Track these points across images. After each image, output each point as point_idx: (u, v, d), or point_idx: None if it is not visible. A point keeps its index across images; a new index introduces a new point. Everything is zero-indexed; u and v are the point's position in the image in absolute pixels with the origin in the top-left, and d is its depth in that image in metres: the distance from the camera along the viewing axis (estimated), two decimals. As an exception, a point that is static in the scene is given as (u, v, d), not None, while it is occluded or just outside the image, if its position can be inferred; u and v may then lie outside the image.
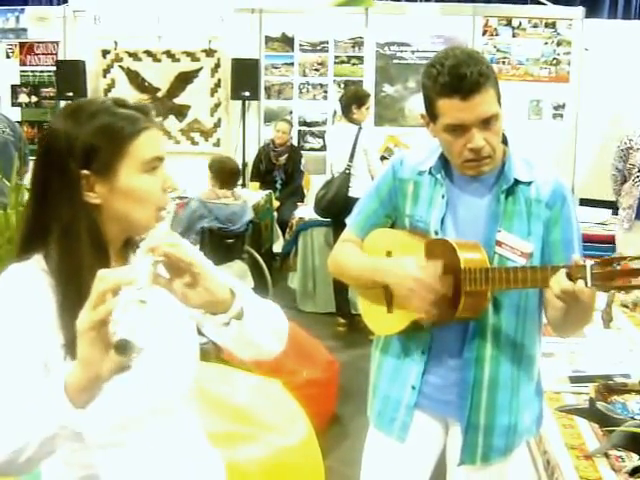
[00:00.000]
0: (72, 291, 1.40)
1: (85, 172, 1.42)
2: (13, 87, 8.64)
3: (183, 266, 1.33)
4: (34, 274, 1.44)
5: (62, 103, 8.50)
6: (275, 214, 7.56)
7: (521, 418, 2.11)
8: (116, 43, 8.33)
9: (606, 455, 2.09)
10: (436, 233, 2.05)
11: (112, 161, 1.44)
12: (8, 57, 8.59)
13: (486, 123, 1.90)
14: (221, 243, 5.91)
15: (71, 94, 8.20)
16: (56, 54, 8.48)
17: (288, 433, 3.10)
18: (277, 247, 7.47)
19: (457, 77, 1.86)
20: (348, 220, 2.32)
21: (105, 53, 8.43)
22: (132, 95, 8.46)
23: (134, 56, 8.41)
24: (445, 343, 2.09)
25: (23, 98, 8.67)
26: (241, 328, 1.43)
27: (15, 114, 8.46)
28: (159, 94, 8.48)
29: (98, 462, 1.48)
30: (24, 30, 8.53)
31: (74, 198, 1.44)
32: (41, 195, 1.47)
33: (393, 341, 2.19)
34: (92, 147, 1.43)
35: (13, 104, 8.62)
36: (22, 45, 8.56)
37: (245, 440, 2.96)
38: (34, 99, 8.66)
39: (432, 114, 1.97)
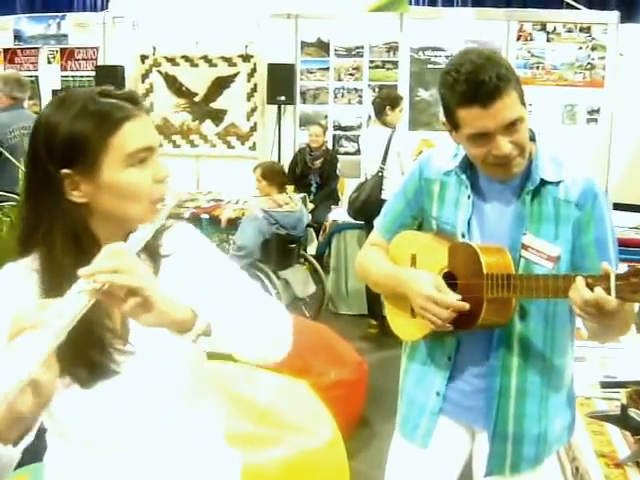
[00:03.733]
0: (52, 296, 1.30)
1: (66, 171, 1.35)
2: (54, 92, 8.77)
3: (132, 290, 1.23)
4: (25, 274, 1.41)
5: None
6: (310, 217, 7.61)
7: (551, 427, 2.03)
8: (154, 48, 8.45)
9: (637, 464, 2.03)
10: (463, 236, 1.98)
11: (93, 157, 1.36)
12: (50, 62, 8.76)
13: (510, 127, 1.80)
14: (284, 248, 6.02)
15: (109, 98, 8.34)
16: (96, 59, 8.64)
17: (312, 435, 3.10)
18: (311, 249, 7.52)
19: (475, 84, 1.75)
20: (375, 222, 2.26)
21: (144, 58, 8.56)
22: (170, 100, 8.59)
23: (172, 61, 8.53)
24: (471, 350, 2.03)
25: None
26: (213, 342, 1.37)
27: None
28: (196, 99, 8.57)
29: (96, 464, 1.47)
30: (65, 36, 8.70)
31: (56, 198, 1.37)
32: (28, 194, 1.43)
33: (419, 346, 2.14)
34: (71, 143, 1.35)
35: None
36: (63, 51, 8.73)
37: (268, 442, 2.97)
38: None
39: (453, 123, 1.87)
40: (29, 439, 1.23)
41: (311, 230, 7.58)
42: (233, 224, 6.38)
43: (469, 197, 1.99)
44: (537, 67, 7.92)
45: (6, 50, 8.84)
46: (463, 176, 2.00)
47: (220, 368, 3.28)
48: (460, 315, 1.89)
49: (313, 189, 7.92)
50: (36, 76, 8.71)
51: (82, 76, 8.70)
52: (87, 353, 1.37)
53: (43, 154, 1.37)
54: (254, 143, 8.58)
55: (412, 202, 2.13)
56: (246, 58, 8.35)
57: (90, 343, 1.36)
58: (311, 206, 7.66)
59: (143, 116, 1.41)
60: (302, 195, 7.38)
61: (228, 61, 8.42)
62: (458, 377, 2.05)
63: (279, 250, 6.00)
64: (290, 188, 7.73)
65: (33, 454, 1.40)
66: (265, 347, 1.52)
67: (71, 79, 8.76)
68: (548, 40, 7.92)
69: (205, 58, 8.46)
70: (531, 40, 7.95)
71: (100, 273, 1.20)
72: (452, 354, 2.05)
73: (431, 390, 2.09)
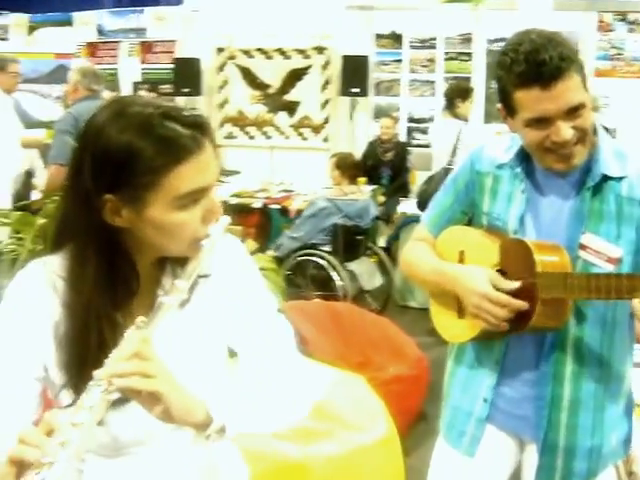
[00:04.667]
0: (72, 315, 1.31)
1: (110, 197, 1.25)
2: (135, 84, 8.99)
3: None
4: (50, 279, 1.35)
5: (179, 99, 8.81)
6: (380, 209, 7.59)
7: (607, 440, 1.89)
8: (230, 41, 8.53)
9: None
10: (515, 233, 1.85)
11: (141, 191, 1.25)
12: (129, 56, 8.96)
13: (572, 112, 1.66)
14: (350, 240, 6.05)
15: (187, 90, 8.49)
16: (174, 52, 8.78)
17: (367, 430, 3.07)
18: (381, 242, 7.50)
19: (535, 64, 1.61)
20: (422, 216, 2.15)
21: (220, 51, 8.66)
22: (245, 92, 8.68)
23: (247, 53, 8.61)
24: (521, 354, 1.90)
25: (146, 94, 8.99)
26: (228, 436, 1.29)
27: (136, 110, 8.81)
28: (270, 90, 8.64)
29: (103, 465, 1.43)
30: (144, 30, 8.88)
31: (94, 217, 1.28)
32: (65, 203, 1.35)
33: (467, 349, 2.02)
34: (120, 167, 1.24)
35: (133, 101, 8.93)
36: (142, 44, 8.92)
37: (320, 436, 2.94)
38: (153, 95, 8.94)
39: (510, 108, 1.73)
40: None
41: (381, 222, 7.57)
42: (301, 215, 6.43)
43: (523, 192, 1.86)
44: (617, 59, 7.67)
45: (89, 44, 9.06)
46: (518, 169, 1.87)
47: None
48: (510, 320, 1.78)
49: (384, 181, 7.88)
50: (116, 69, 8.92)
51: (160, 69, 8.87)
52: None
53: (88, 170, 1.26)
54: (327, 135, 8.59)
55: (462, 196, 2.01)
56: (320, 50, 8.37)
57: (98, 363, 1.26)
58: (382, 199, 7.64)
59: (205, 150, 1.28)
60: (373, 187, 7.38)
61: (302, 53, 8.45)
62: (506, 383, 1.94)
63: (346, 242, 6.02)
64: (362, 180, 7.77)
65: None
66: (295, 412, 1.45)
67: (150, 72, 8.94)
68: (629, 31, 7.67)
69: (280, 50, 8.51)
70: (611, 31, 7.71)
71: (117, 376, 1.15)
72: (500, 358, 1.93)
73: (478, 396, 1.98)
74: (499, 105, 1.80)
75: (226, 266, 1.45)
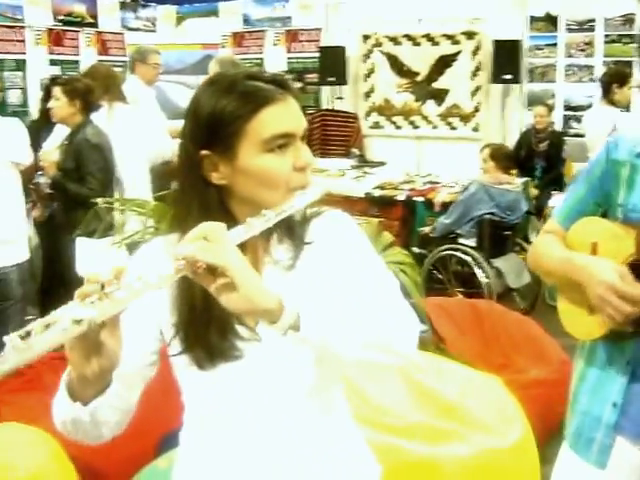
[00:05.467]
0: (182, 278, 1.31)
1: (205, 152, 1.36)
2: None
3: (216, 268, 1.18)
4: (167, 250, 1.39)
5: (324, 88, 8.77)
6: (532, 203, 7.24)
7: None
8: (376, 28, 8.37)
9: None
10: None
11: (230, 140, 1.35)
12: (275, 45, 8.98)
13: None
14: (497, 235, 5.83)
15: (333, 79, 8.43)
16: (319, 40, 8.72)
17: (500, 434, 2.91)
18: (533, 237, 7.16)
19: None
20: (554, 209, 2.05)
21: (366, 38, 8.52)
22: (392, 80, 8.51)
23: (394, 40, 8.41)
24: None
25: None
26: (305, 337, 1.25)
27: (281, 99, 8.86)
28: (418, 78, 8.41)
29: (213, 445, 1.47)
30: (289, 18, 8.87)
31: (196, 178, 1.38)
32: (178, 173, 1.45)
33: (598, 348, 1.87)
34: (211, 123, 1.35)
35: (279, 90, 8.98)
36: (288, 33, 8.92)
37: (450, 437, 2.83)
38: (298, 85, 8.94)
39: None
40: (100, 401, 1.28)
41: (533, 217, 7.23)
42: (446, 208, 6.23)
43: None
44: None
45: (235, 34, 9.16)
46: None
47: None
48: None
49: (538, 173, 7.51)
50: (262, 58, 8.97)
51: (306, 57, 8.84)
52: (207, 336, 1.36)
53: (187, 133, 1.40)
54: (477, 124, 8.27)
55: (596, 187, 1.89)
56: (470, 35, 8.05)
57: (211, 326, 1.36)
58: (534, 192, 7.27)
59: (288, 100, 1.38)
60: (525, 179, 7.04)
61: (451, 39, 8.16)
62: (639, 389, 1.78)
63: (492, 237, 5.78)
64: (514, 172, 7.46)
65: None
66: (373, 350, 1.36)
67: (295, 61, 8.94)
68: None
69: (428, 36, 8.26)
70: None
71: (185, 248, 1.18)
72: (631, 358, 1.78)
73: (607, 400, 1.83)
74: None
75: (332, 233, 1.48)
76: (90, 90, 4.71)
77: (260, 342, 1.37)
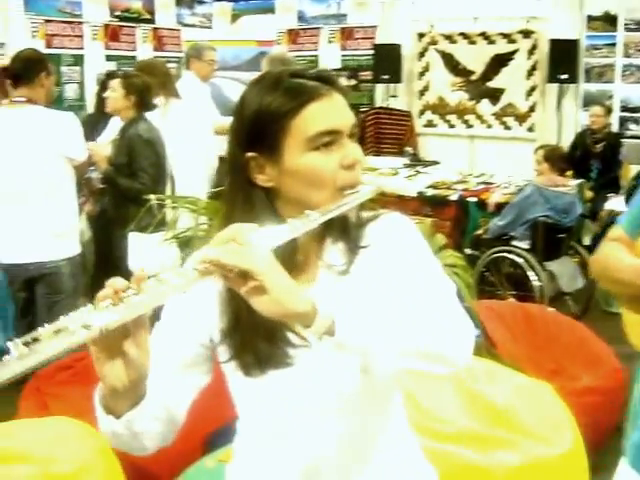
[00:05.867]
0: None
1: (251, 154, 1.32)
2: (334, 71, 8.96)
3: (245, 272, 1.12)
4: None
5: (379, 86, 8.71)
6: (586, 206, 7.10)
7: None
8: (432, 26, 8.31)
9: None
10: None
11: (275, 139, 1.30)
12: (330, 42, 8.95)
13: None
14: (552, 237, 5.73)
15: (387, 77, 8.38)
16: (374, 38, 8.66)
17: (550, 442, 2.84)
18: (587, 240, 7.02)
19: None
20: (620, 217, 1.95)
21: (421, 36, 8.45)
22: (446, 78, 8.43)
23: (449, 39, 8.34)
24: None
25: (343, 82, 8.94)
26: (340, 345, 1.17)
27: (335, 96, 8.83)
28: (473, 77, 8.32)
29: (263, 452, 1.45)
30: (344, 16, 8.84)
31: (242, 181, 1.34)
32: (227, 176, 1.41)
33: None
34: (256, 123, 1.31)
35: (333, 87, 8.95)
36: (343, 30, 8.88)
37: (500, 445, 2.76)
38: (352, 82, 8.90)
39: None
40: (135, 414, 1.23)
41: (588, 221, 7.09)
42: (500, 209, 6.14)
43: None
44: None
45: (289, 31, 9.16)
46: None
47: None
48: None
49: (593, 175, 7.36)
50: (316, 55, 8.95)
51: (360, 55, 8.80)
52: (255, 342, 1.32)
53: (233, 134, 1.37)
54: (532, 124, 8.16)
55: None
56: (526, 34, 7.93)
57: (259, 332, 1.31)
58: (589, 194, 7.14)
59: (333, 96, 1.33)
60: (580, 181, 6.91)
61: (507, 37, 8.05)
62: None
63: (546, 240, 5.68)
64: (569, 174, 7.33)
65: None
66: (421, 358, 1.28)
67: (349, 58, 8.90)
68: None
69: (483, 35, 8.17)
70: None
71: (211, 251, 1.12)
72: None
73: None
74: None
75: (390, 237, 1.41)
76: (147, 88, 4.74)
77: (310, 348, 1.29)
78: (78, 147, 4.18)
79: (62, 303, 4.22)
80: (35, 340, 0.97)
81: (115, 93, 4.69)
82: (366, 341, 1.19)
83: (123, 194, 4.61)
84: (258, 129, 1.32)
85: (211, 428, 2.89)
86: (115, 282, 1.08)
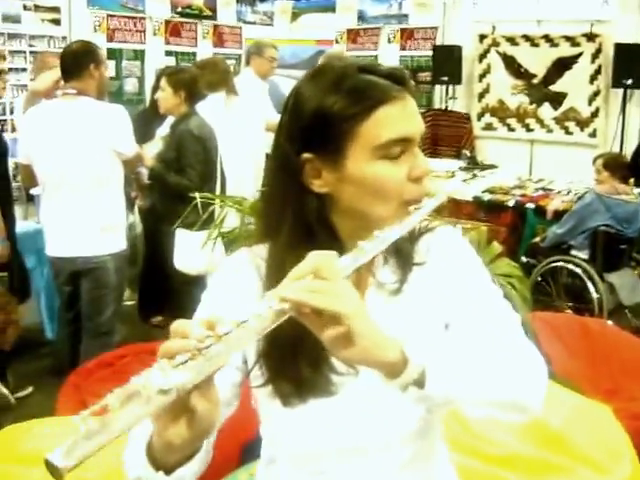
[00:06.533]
0: None
1: (307, 155, 1.20)
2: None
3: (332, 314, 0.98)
4: (254, 262, 1.29)
5: (437, 88, 8.56)
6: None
7: None
8: (494, 27, 8.10)
9: None
10: None
11: (338, 142, 1.18)
12: (389, 42, 8.81)
13: None
14: (612, 248, 5.56)
15: (445, 79, 8.22)
16: (434, 39, 8.50)
17: (607, 470, 2.69)
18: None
19: None
20: None
21: (482, 38, 8.24)
22: (507, 81, 8.24)
23: (511, 41, 8.10)
24: None
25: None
26: (429, 395, 1.07)
27: (393, 98, 8.71)
28: (534, 80, 8.09)
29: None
30: (405, 16, 8.67)
31: (293, 184, 1.21)
32: (269, 175, 1.31)
33: None
34: (315, 123, 1.19)
35: (392, 89, 8.83)
36: (403, 30, 8.72)
37: (552, 470, 2.64)
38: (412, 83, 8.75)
39: None
40: (185, 471, 1.05)
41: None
42: (559, 217, 5.96)
43: None
44: None
45: (349, 30, 9.03)
46: None
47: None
48: None
49: (658, 184, 7.12)
50: (376, 56, 8.83)
51: (420, 56, 8.64)
52: (296, 367, 1.20)
53: (286, 131, 1.24)
54: (594, 130, 7.88)
55: None
56: (591, 37, 7.66)
57: (301, 356, 1.19)
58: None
59: (406, 100, 1.21)
60: (641, 190, 6.71)
61: (571, 41, 7.78)
62: None
63: (606, 249, 5.50)
64: (631, 182, 7.11)
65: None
66: (499, 408, 1.19)
67: (409, 59, 8.74)
68: None
69: (546, 37, 7.91)
70: None
71: (293, 290, 0.97)
72: None
73: None
74: None
75: (445, 254, 1.32)
76: (195, 80, 4.70)
77: (357, 377, 1.21)
78: (126, 141, 4.14)
79: (106, 298, 4.22)
80: (104, 409, 0.83)
81: (164, 92, 4.66)
82: (450, 394, 1.09)
83: (170, 190, 4.57)
84: (318, 130, 1.19)
85: (249, 438, 2.79)
86: (186, 329, 0.92)
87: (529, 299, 3.51)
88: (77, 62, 4.02)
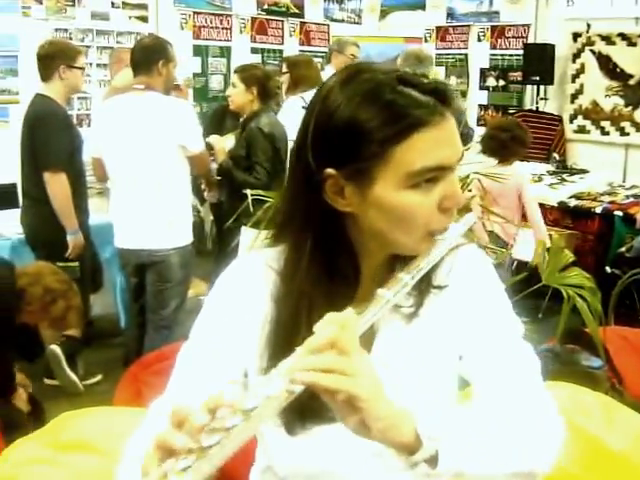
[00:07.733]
0: (280, 309, 1.17)
1: (331, 171, 1.09)
2: (482, 70, 8.63)
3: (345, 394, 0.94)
4: (265, 273, 1.23)
5: (528, 88, 8.30)
6: None
7: None
8: (589, 26, 7.77)
9: None
10: None
11: (367, 163, 1.08)
12: (479, 40, 8.58)
13: None
14: None
15: (537, 78, 7.96)
16: (526, 37, 8.23)
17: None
18: None
19: None
20: None
21: (576, 36, 7.92)
22: (602, 82, 7.91)
23: (607, 40, 7.75)
24: None
25: (491, 82, 8.59)
26: (436, 474, 1.02)
27: (482, 97, 8.56)
28: (631, 81, 7.71)
29: None
30: (496, 13, 8.43)
31: (314, 198, 1.13)
32: (288, 184, 1.20)
33: None
34: (344, 136, 1.07)
35: (481, 87, 8.65)
36: (493, 28, 8.48)
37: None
38: (501, 83, 8.52)
39: None
40: None
41: None
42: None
43: None
44: None
45: (438, 28, 8.85)
46: None
47: (569, 395, 2.78)
48: None
49: None
50: (465, 54, 8.64)
51: (511, 55, 8.38)
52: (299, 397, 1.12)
53: (310, 140, 1.12)
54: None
55: None
56: (693, 36, 7.30)
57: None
58: None
59: (447, 121, 1.09)
60: None
61: (671, 40, 7.43)
62: None
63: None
64: None
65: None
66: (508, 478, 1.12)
67: (499, 57, 8.50)
68: None
69: (645, 36, 7.58)
70: None
71: (306, 368, 0.92)
72: None
73: None
74: None
75: (465, 280, 1.24)
76: (267, 77, 4.66)
77: None
78: (192, 136, 4.13)
79: (169, 292, 4.25)
80: None
81: (236, 89, 4.62)
82: (461, 471, 1.04)
83: (237, 187, 4.54)
84: (346, 145, 1.08)
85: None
86: (187, 416, 0.87)
87: (600, 312, 3.31)
88: (147, 57, 4.04)
